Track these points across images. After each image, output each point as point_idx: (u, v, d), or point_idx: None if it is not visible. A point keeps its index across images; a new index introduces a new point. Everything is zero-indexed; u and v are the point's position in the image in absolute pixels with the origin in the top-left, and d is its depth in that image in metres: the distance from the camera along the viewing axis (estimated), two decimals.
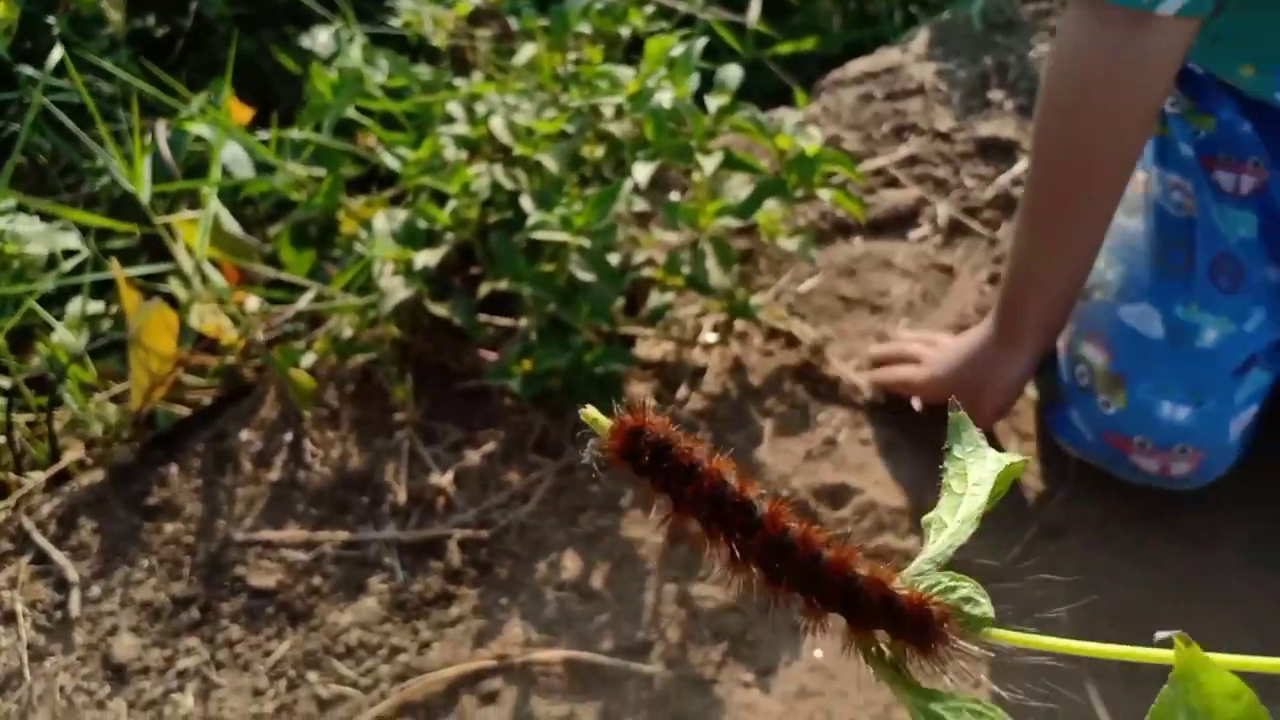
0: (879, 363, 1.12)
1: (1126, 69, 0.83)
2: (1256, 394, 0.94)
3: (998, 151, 1.29)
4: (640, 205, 1.19)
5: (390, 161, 1.20)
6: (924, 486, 1.04)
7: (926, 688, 0.31)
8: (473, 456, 1.12)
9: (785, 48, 1.56)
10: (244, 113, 1.44)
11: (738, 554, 0.31)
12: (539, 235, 1.00)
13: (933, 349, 1.08)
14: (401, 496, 1.10)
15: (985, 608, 0.31)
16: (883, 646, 0.32)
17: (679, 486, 0.30)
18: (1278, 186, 0.93)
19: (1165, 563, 0.99)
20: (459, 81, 1.24)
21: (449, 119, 1.17)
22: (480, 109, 1.16)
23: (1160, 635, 0.29)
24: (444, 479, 1.10)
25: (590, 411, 0.31)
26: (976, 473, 0.33)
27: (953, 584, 0.31)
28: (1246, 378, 0.93)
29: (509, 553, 1.05)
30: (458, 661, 0.99)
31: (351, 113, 1.28)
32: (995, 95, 1.32)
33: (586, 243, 1.02)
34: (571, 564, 1.04)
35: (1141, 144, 0.89)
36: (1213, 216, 0.94)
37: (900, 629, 0.31)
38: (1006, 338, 0.99)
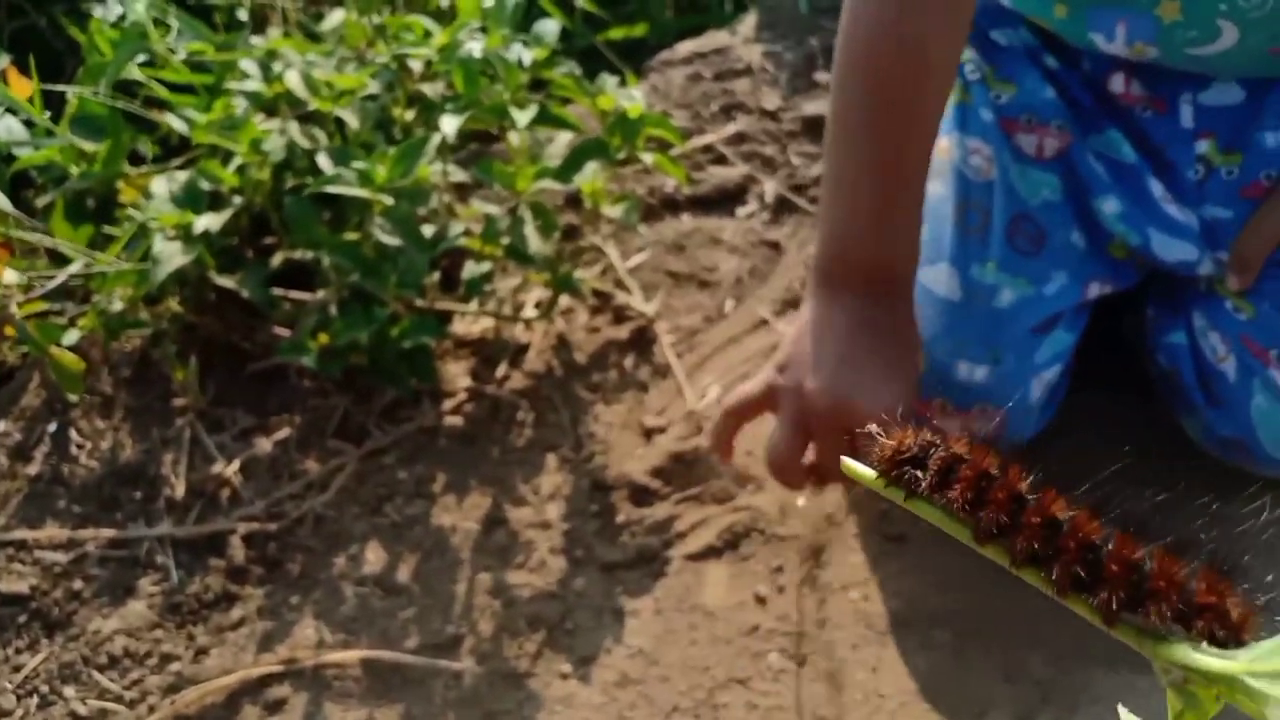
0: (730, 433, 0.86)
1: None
2: (1060, 354, 0.91)
3: (824, 130, 1.25)
4: (459, 176, 1.12)
5: (176, 124, 1.08)
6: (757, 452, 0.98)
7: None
8: (264, 444, 1.01)
9: (617, 33, 1.51)
10: (24, 86, 1.31)
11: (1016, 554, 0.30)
12: (335, 189, 0.91)
13: (779, 374, 0.81)
14: (179, 490, 0.98)
15: None
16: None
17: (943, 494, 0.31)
18: (1080, 153, 0.92)
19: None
20: (257, 40, 1.14)
21: (243, 76, 1.06)
22: (277, 67, 1.06)
23: None
24: (229, 469, 0.98)
25: (850, 466, 0.32)
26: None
27: None
28: (1049, 337, 0.91)
29: (302, 547, 0.95)
30: (239, 668, 0.87)
31: (139, 75, 1.16)
32: (821, 76, 1.30)
33: (390, 201, 0.93)
34: (374, 556, 0.94)
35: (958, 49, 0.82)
36: (1011, 177, 0.92)
37: (1198, 627, 0.29)
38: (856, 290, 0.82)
